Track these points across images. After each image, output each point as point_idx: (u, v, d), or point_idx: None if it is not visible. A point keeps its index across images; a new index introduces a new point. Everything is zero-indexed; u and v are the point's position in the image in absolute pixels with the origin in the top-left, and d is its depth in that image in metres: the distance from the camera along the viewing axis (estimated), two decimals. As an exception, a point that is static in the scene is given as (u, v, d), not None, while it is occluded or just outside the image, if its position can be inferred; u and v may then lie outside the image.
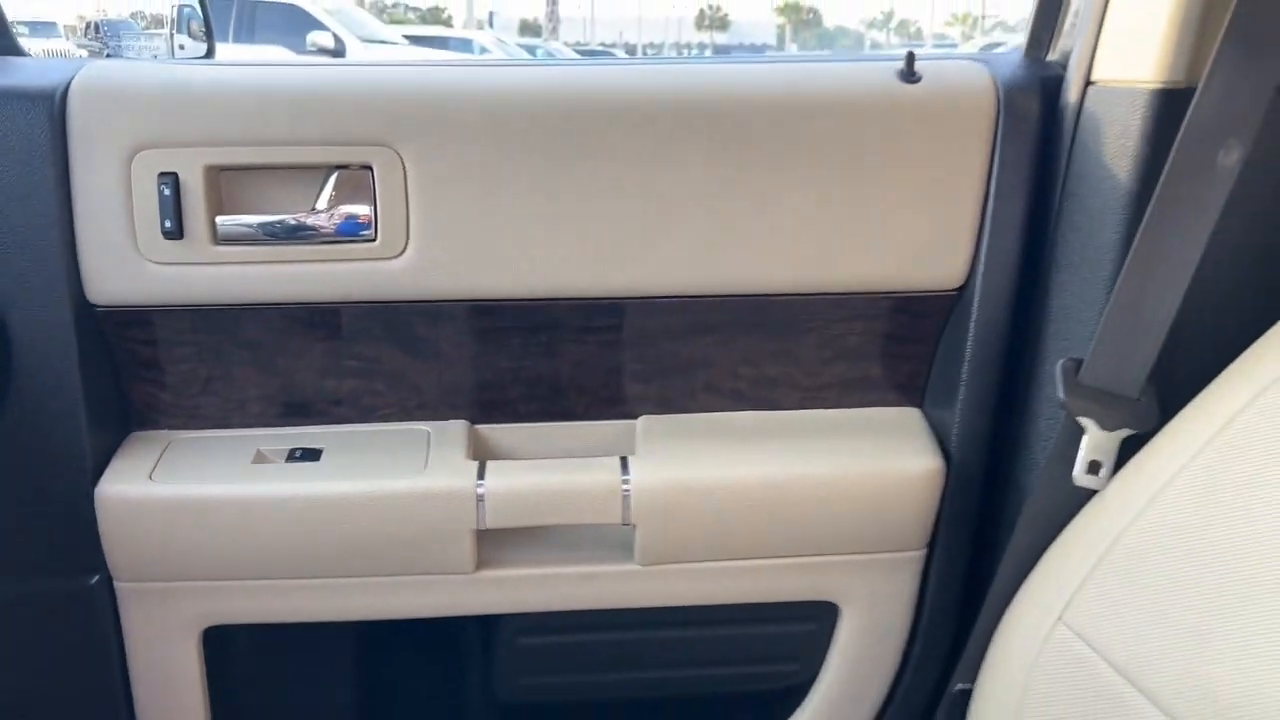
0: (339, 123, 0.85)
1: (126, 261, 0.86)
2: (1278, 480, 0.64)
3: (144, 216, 0.85)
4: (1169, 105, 0.82)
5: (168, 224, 0.85)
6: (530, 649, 1.06)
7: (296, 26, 9.74)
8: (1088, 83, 0.89)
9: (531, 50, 18.49)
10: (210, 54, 1.43)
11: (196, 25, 1.59)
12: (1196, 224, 0.78)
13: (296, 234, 0.87)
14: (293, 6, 10.16)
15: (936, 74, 0.91)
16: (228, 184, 0.87)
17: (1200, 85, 0.76)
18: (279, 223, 0.87)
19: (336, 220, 0.87)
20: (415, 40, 14.27)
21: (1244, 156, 0.77)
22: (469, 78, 0.88)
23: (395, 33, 13.64)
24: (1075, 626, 0.74)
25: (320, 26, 10.65)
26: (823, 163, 0.90)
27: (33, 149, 0.83)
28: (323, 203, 0.87)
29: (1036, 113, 0.92)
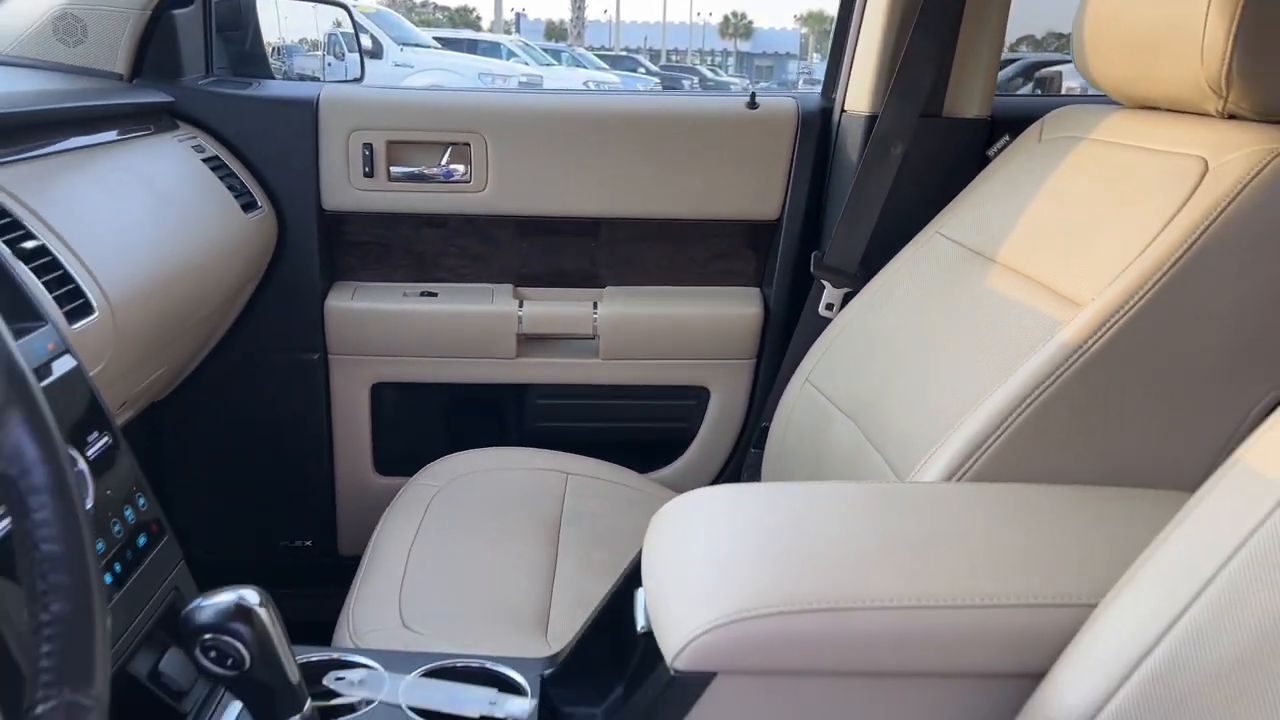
0: (453, 120, 1.63)
1: (343, 186, 1.63)
2: (900, 301, 1.31)
3: (354, 165, 1.63)
4: (867, 125, 1.57)
5: (366, 169, 1.63)
6: (542, 405, 1.79)
7: (338, 27, 10.43)
8: (842, 111, 1.65)
9: (556, 54, 19.11)
10: (362, 74, 2.18)
11: (338, 50, 2.39)
12: (879, 186, 1.55)
13: (429, 178, 1.66)
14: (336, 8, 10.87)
15: (766, 105, 1.67)
16: (396, 150, 1.63)
17: (880, 113, 1.55)
18: (421, 172, 1.66)
19: (449, 171, 1.67)
20: (445, 43, 14.91)
21: (904, 151, 1.55)
22: (523, 99, 1.66)
23: (427, 36, 14.27)
24: (813, 381, 1.40)
25: (360, 28, 11.36)
26: (707, 149, 1.65)
27: (301, 130, 1.59)
28: (443, 161, 1.66)
29: (819, 127, 1.66)
